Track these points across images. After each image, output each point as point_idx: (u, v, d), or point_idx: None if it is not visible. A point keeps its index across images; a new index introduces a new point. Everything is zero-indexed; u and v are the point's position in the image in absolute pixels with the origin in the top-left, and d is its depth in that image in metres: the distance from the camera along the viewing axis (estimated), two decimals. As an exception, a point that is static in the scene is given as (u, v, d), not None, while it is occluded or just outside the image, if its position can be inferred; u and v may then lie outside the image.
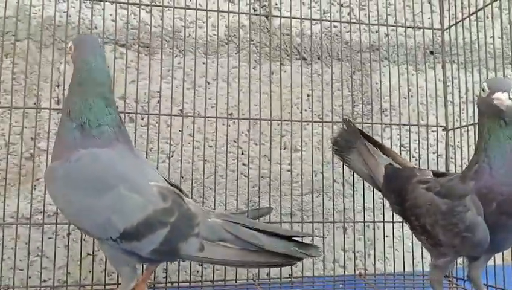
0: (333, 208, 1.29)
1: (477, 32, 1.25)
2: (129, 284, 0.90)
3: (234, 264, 0.94)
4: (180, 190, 0.96)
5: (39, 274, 1.12)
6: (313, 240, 1.04)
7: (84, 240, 1.17)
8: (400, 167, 1.10)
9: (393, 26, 1.39)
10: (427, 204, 0.93)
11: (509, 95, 0.84)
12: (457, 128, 1.32)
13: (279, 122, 1.29)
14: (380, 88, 1.40)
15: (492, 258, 1.04)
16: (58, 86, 1.23)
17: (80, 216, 0.87)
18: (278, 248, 0.90)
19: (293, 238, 0.93)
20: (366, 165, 1.12)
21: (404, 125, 1.37)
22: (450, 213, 0.87)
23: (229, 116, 1.28)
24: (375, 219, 1.31)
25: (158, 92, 1.24)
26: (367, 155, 1.12)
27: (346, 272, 1.28)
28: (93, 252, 1.16)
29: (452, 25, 1.35)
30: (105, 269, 1.14)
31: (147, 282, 1.05)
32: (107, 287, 1.12)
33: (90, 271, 1.17)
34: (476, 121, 0.95)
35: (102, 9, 1.23)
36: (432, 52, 1.48)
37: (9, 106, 1.15)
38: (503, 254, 1.16)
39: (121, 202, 0.85)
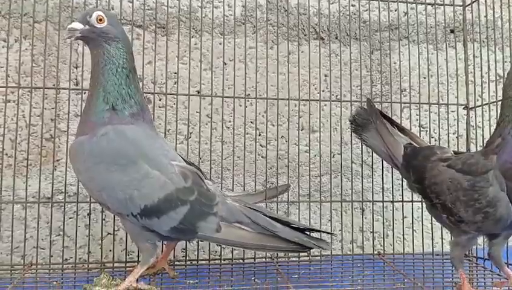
0: (351, 189, 1.29)
1: (501, 8, 1.22)
2: (149, 259, 0.92)
3: (248, 247, 0.96)
4: (200, 170, 0.96)
5: (61, 253, 1.14)
6: (319, 233, 1.04)
7: (104, 219, 1.18)
8: (420, 146, 1.09)
9: (412, 3, 1.36)
10: (448, 181, 0.92)
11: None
12: (478, 106, 1.30)
13: (297, 102, 1.28)
14: (400, 67, 1.38)
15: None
16: (76, 67, 1.23)
17: (103, 191, 0.87)
18: (291, 237, 0.95)
19: (305, 231, 0.99)
20: (385, 144, 1.11)
21: (423, 104, 1.35)
22: (471, 189, 0.86)
23: (247, 97, 1.28)
24: (394, 199, 1.29)
25: (175, 73, 1.24)
26: (386, 134, 1.11)
27: (363, 252, 1.28)
28: (113, 232, 1.18)
29: (474, 1, 1.31)
30: (126, 248, 1.15)
31: (167, 259, 1.06)
32: (127, 265, 1.13)
33: (110, 250, 1.19)
34: (498, 99, 0.93)
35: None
36: (452, 31, 1.45)
37: (29, 87, 1.16)
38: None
39: (143, 179, 0.86)
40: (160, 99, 1.27)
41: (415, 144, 1.11)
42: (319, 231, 1.06)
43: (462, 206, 0.88)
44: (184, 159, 0.96)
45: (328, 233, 1.08)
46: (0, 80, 1.17)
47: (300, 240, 0.95)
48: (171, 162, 0.90)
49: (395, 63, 1.41)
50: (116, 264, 1.14)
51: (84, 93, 1.21)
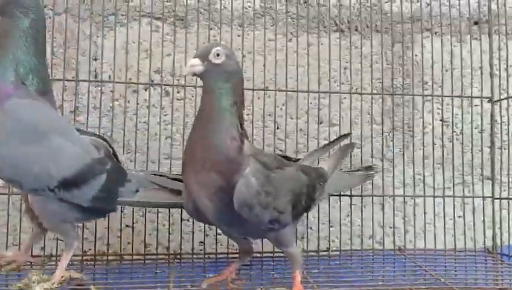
0: (371, 183, 1.27)
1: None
2: (73, 242, 0.92)
3: (165, 205, 1.04)
4: (107, 142, 0.97)
5: (80, 245, 1.15)
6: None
7: (122, 211, 1.18)
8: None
9: (436, -6, 1.33)
10: None
11: None
12: (503, 99, 1.26)
13: (316, 95, 1.27)
14: (422, 60, 1.35)
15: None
16: (95, 59, 1.23)
17: (16, 168, 0.84)
18: None
19: None
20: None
21: (446, 97, 1.32)
22: None
23: (265, 89, 1.27)
24: (415, 194, 1.27)
25: (194, 65, 1.23)
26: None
27: (384, 247, 1.26)
28: (132, 224, 1.18)
29: (499, -8, 1.28)
30: (144, 240, 1.15)
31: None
32: (146, 257, 1.13)
33: (129, 242, 1.19)
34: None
35: (138, -18, 1.23)
36: (476, 23, 1.41)
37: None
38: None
39: (59, 151, 0.86)
40: (178, 92, 1.27)
41: None
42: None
43: None
44: (94, 133, 0.98)
45: None
46: (21, 72, 1.17)
47: None
48: (81, 136, 0.92)
49: (416, 55, 1.38)
50: (135, 257, 1.14)
51: (103, 85, 1.21)
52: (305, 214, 1.00)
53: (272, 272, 1.08)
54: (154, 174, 1.00)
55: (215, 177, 0.82)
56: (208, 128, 0.84)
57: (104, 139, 0.96)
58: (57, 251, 1.12)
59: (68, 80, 1.18)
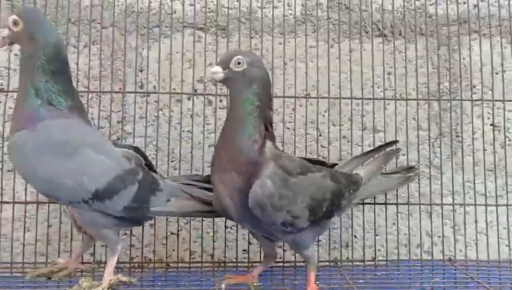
0: (418, 191, 1.23)
1: None
2: (116, 246, 0.95)
3: (196, 215, 1.04)
4: (139, 153, 0.99)
5: (128, 252, 1.18)
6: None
7: (167, 219, 1.20)
8: None
9: (484, -6, 1.29)
10: None
11: None
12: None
13: (360, 101, 1.25)
14: (470, 63, 1.31)
15: None
16: (141, 70, 1.26)
17: (50, 182, 0.88)
18: None
19: None
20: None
21: (497, 101, 1.27)
22: None
23: (308, 97, 1.26)
24: (465, 203, 1.22)
25: (236, 74, 1.24)
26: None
27: (432, 258, 1.22)
28: (177, 231, 1.19)
29: (553, -10, 1.22)
30: (189, 247, 1.16)
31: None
32: (191, 265, 1.14)
33: (174, 249, 1.21)
34: None
35: (181, -6, 1.25)
36: (527, 23, 1.35)
37: (98, 91, 1.20)
38: None
39: (90, 164, 0.90)
40: (220, 101, 1.28)
41: None
42: None
43: None
44: (126, 145, 1.02)
45: None
46: (71, 84, 1.22)
47: None
48: (112, 148, 0.95)
49: (464, 58, 1.34)
50: (180, 265, 1.16)
51: (149, 96, 1.24)
52: (332, 219, 1.01)
53: (296, 282, 1.07)
54: (185, 184, 1.01)
55: (236, 177, 0.87)
56: (232, 131, 0.89)
57: (137, 150, 0.99)
58: (106, 257, 1.15)
59: (115, 92, 1.22)
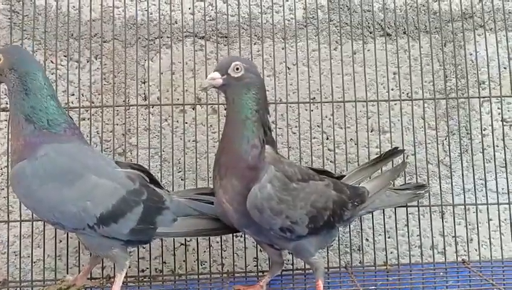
0: (428, 191, 1.21)
1: None
2: (124, 262, 0.95)
3: (205, 233, 1.01)
4: (143, 172, 0.98)
5: (137, 264, 1.17)
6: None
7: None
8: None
9: (488, -13, 1.26)
10: None
11: None
12: None
13: (365, 103, 1.23)
14: (476, 59, 1.28)
15: None
16: (144, 82, 1.26)
17: (54, 210, 0.88)
18: None
19: None
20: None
21: (506, 97, 1.24)
22: None
23: (312, 101, 1.25)
24: (477, 202, 1.20)
25: (238, 81, 1.23)
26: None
27: (446, 259, 1.19)
28: (185, 242, 1.19)
29: (559, -19, 1.19)
30: (198, 258, 1.16)
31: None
32: (200, 276, 1.14)
33: (183, 260, 1.20)
34: None
35: (181, 3, 1.25)
36: (534, 15, 1.32)
37: (100, 105, 1.21)
38: None
39: (93, 189, 0.89)
40: (225, 109, 1.27)
41: None
42: None
43: None
44: (129, 164, 1.00)
45: None
46: (75, 99, 1.22)
47: None
48: (115, 169, 0.94)
49: (471, 54, 1.31)
50: (189, 276, 1.15)
51: (152, 107, 1.24)
52: (341, 227, 1.01)
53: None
54: (193, 199, 1.00)
55: (235, 182, 0.87)
56: (231, 137, 0.89)
57: (141, 169, 0.99)
58: (114, 272, 1.15)
59: (118, 106, 1.22)
